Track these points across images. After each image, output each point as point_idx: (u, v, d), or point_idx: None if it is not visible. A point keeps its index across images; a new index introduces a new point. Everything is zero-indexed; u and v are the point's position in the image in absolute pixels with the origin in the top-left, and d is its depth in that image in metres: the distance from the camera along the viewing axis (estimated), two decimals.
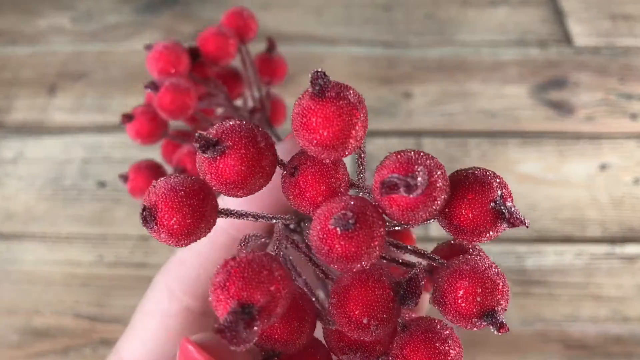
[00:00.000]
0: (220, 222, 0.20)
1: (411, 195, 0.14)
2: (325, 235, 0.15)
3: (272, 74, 0.33)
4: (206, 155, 0.15)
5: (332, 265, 0.15)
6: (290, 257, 0.19)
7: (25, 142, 0.57)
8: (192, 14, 0.69)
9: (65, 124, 0.58)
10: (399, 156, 0.15)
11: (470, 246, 0.19)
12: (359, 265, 0.15)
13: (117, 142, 0.56)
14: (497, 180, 0.16)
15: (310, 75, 0.14)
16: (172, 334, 0.21)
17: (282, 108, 0.34)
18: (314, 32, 0.66)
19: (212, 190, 0.16)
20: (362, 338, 0.16)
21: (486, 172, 0.16)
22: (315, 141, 0.15)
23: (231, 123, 0.16)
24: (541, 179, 0.53)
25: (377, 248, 0.15)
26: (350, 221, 0.14)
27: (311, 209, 0.17)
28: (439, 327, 0.17)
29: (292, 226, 0.21)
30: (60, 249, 0.49)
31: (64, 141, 0.57)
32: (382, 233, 0.15)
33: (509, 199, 0.16)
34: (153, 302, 0.22)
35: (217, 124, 0.16)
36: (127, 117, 0.28)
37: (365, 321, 0.16)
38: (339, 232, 0.14)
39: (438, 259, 0.17)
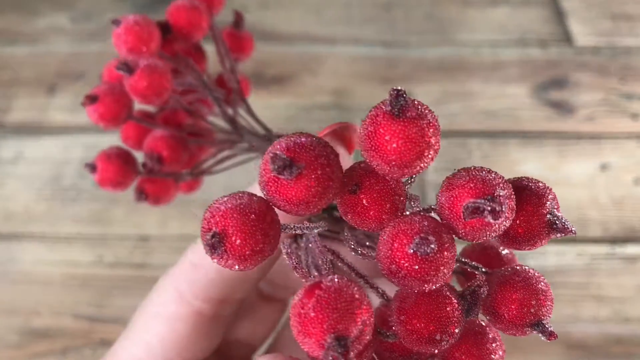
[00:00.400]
0: None
1: (497, 221, 0.14)
2: (402, 259, 0.14)
3: (239, 50, 0.31)
4: (283, 177, 0.14)
5: (401, 285, 0.15)
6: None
7: (24, 142, 0.57)
8: None
9: (64, 124, 0.58)
10: (472, 176, 0.15)
11: (501, 250, 0.19)
12: (432, 287, 0.15)
13: (116, 142, 0.56)
14: (550, 192, 0.16)
15: (389, 94, 0.14)
16: (181, 338, 0.21)
17: (247, 85, 0.33)
18: (314, 32, 0.66)
19: (274, 210, 0.16)
20: (429, 351, 0.16)
21: (539, 184, 0.17)
22: (393, 162, 0.14)
23: (302, 140, 0.15)
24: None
25: (452, 269, 0.15)
26: (432, 246, 0.14)
27: (374, 226, 0.16)
28: (487, 328, 0.17)
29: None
30: (60, 249, 0.49)
31: (63, 141, 0.57)
32: (455, 253, 0.15)
33: (559, 210, 0.16)
34: (159, 305, 0.21)
35: (285, 139, 0.15)
36: (91, 99, 0.25)
37: (438, 337, 0.16)
38: (419, 257, 0.14)
39: (481, 268, 0.18)
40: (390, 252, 0.15)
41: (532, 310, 0.16)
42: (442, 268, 0.14)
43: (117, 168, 0.27)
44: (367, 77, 0.61)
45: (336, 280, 0.14)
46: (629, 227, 0.49)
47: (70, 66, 0.63)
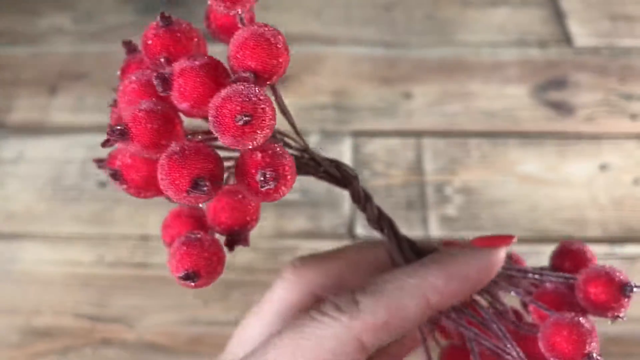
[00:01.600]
0: (429, 289, 0.21)
1: None
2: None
3: None
4: None
5: None
6: None
7: (25, 142, 0.57)
8: (193, 15, 0.69)
9: (65, 124, 0.58)
10: None
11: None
12: None
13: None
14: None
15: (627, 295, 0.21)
16: None
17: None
18: (315, 32, 0.66)
19: None
20: None
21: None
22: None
23: (579, 320, 0.21)
24: (541, 180, 0.53)
25: None
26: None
27: None
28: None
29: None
30: (61, 249, 0.49)
31: (64, 141, 0.57)
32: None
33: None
34: (339, 355, 0.21)
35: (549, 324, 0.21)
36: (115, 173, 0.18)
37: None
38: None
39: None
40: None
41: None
42: None
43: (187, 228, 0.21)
44: (367, 77, 0.61)
45: None
46: (628, 228, 0.50)
47: (72, 67, 0.63)
